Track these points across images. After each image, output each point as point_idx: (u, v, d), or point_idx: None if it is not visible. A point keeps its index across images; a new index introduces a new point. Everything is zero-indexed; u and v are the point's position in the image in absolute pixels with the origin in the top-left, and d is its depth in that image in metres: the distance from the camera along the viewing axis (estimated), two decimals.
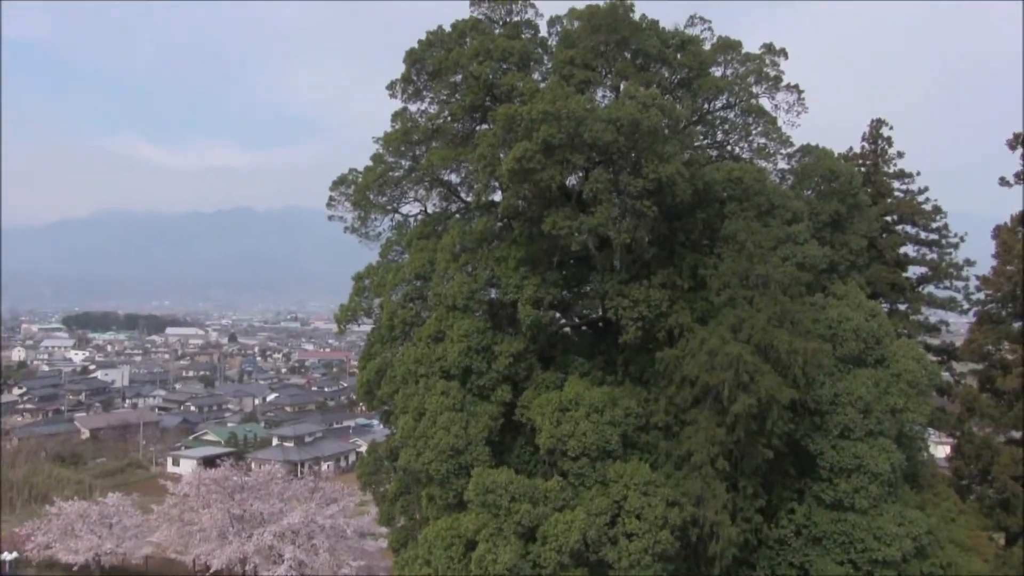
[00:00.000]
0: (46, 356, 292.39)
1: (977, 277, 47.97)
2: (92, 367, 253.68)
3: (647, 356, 33.68)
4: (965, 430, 45.09)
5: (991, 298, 46.70)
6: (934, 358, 49.46)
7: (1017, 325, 45.65)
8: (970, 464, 44.03)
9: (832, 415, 33.11)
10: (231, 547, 56.56)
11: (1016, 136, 45.28)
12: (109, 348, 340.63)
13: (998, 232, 44.93)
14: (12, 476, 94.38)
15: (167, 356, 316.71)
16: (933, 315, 52.81)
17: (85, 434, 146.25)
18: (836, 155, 42.06)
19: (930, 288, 52.47)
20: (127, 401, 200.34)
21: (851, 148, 53.23)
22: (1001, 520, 42.46)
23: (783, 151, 39.26)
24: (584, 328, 38.04)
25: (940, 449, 66.11)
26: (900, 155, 52.82)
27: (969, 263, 51.25)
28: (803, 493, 34.27)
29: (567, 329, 38.07)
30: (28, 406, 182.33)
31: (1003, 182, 45.53)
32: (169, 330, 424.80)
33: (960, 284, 51.37)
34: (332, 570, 57.11)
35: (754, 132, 38.45)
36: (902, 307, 51.07)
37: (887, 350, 35.37)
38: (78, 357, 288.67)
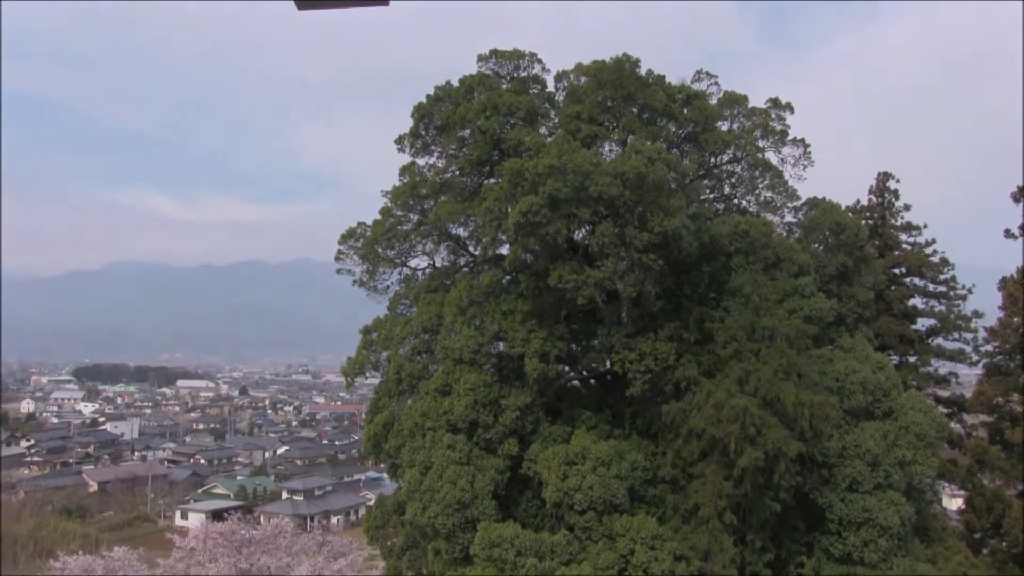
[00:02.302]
0: (55, 408, 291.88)
1: (985, 329, 47.88)
2: (102, 419, 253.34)
3: (654, 409, 33.71)
4: (976, 483, 44.69)
5: (998, 350, 46.57)
6: (944, 410, 49.20)
7: None
8: (982, 517, 43.56)
9: (840, 468, 32.95)
10: None
11: (1020, 188, 45.49)
12: (119, 400, 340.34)
13: (1004, 284, 44.95)
14: (16, 530, 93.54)
15: (177, 408, 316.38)
16: (943, 367, 52.59)
17: (93, 487, 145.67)
18: (843, 208, 42.36)
19: (939, 340, 52.31)
20: (136, 453, 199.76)
21: (858, 201, 53.50)
22: (1014, 574, 41.90)
23: (789, 204, 39.60)
24: (591, 381, 38.12)
25: (953, 502, 65.42)
26: (907, 207, 53.02)
27: (978, 315, 51.14)
28: (812, 547, 33.97)
29: (574, 382, 38.19)
30: (36, 459, 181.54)
31: (1008, 234, 45.66)
32: (180, 382, 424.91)
33: (969, 336, 51.26)
34: None
35: (760, 185, 38.82)
36: (911, 359, 50.90)
37: (895, 402, 35.27)
38: (88, 409, 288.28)
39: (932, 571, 33.39)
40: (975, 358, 50.88)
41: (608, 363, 35.01)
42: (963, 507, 47.41)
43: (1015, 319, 43.53)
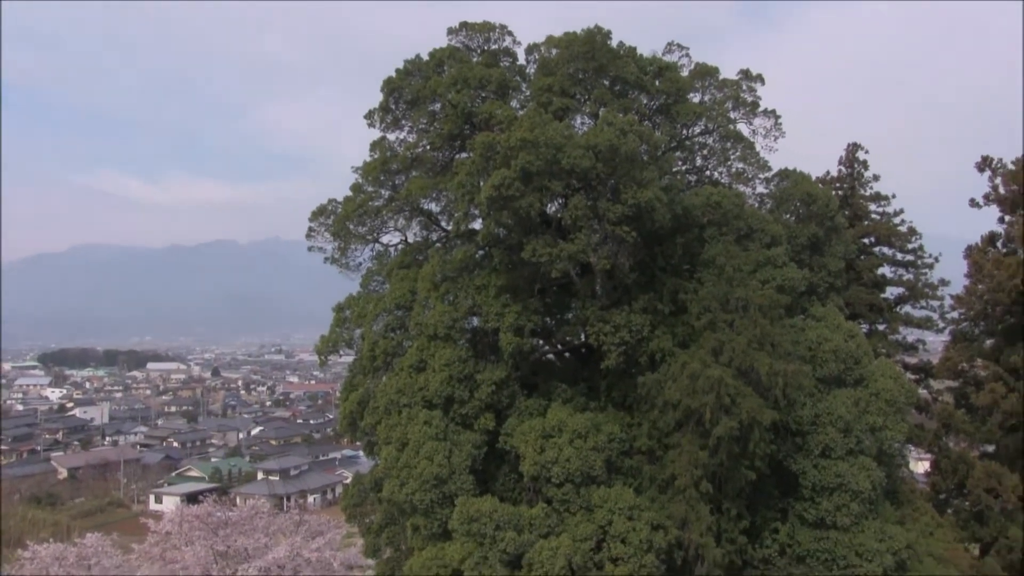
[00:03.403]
0: (20, 395, 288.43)
1: (952, 297, 48.63)
2: (70, 405, 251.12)
3: (629, 381, 33.84)
4: (942, 446, 45.58)
5: (964, 317, 47.36)
6: (912, 376, 50.02)
7: (989, 343, 46.24)
8: (947, 479, 44.47)
9: (813, 435, 33.35)
10: None
11: (984, 159, 46.12)
12: (88, 385, 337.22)
13: (969, 252, 45.61)
14: None
15: (148, 392, 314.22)
16: (910, 334, 53.49)
17: (63, 474, 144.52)
18: (813, 179, 42.62)
19: (907, 308, 53.12)
20: (107, 439, 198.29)
21: (828, 172, 53.99)
22: (976, 532, 42.93)
23: (761, 175, 39.69)
24: (566, 354, 38.19)
25: (920, 465, 66.58)
26: (876, 178, 53.64)
27: (944, 283, 51.97)
28: (786, 513, 34.41)
29: (549, 356, 38.22)
30: (1, 447, 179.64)
31: (973, 203, 46.31)
32: (150, 365, 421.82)
33: (935, 304, 52.09)
34: None
35: (732, 157, 38.88)
36: (880, 327, 51.67)
37: (866, 370, 35.70)
38: (55, 395, 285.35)
39: (901, 532, 33.95)
40: (941, 325, 51.83)
41: (583, 336, 35.06)
42: (929, 470, 48.31)
43: (980, 287, 44.20)
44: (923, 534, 37.05)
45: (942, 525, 39.89)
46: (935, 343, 58.98)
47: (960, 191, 49.48)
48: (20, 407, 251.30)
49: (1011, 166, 45.39)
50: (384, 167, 37.01)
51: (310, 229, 39.42)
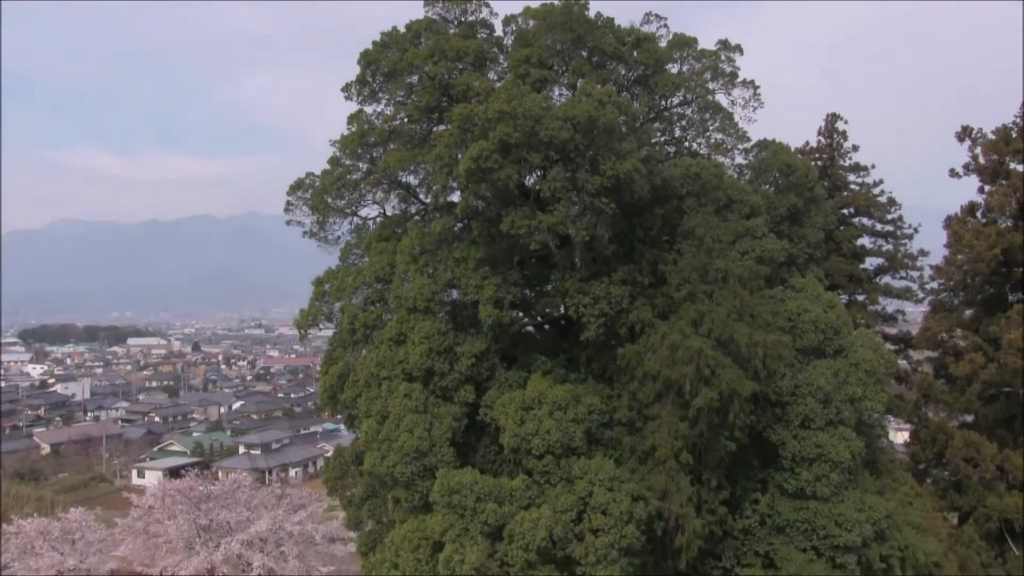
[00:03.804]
0: (2, 372, 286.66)
1: (931, 267, 48.83)
2: (51, 381, 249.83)
3: (609, 353, 33.86)
4: (921, 416, 45.94)
5: (943, 287, 47.60)
6: (891, 347, 50.32)
7: (969, 313, 46.51)
8: (926, 449, 44.87)
9: (793, 406, 33.52)
10: (198, 558, 55.79)
11: (964, 129, 46.17)
12: (68, 361, 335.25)
13: (949, 223, 45.75)
14: None
15: (129, 367, 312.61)
16: (890, 305, 53.73)
17: (45, 449, 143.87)
18: (792, 150, 42.60)
19: (887, 279, 53.36)
20: (89, 414, 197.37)
21: (807, 142, 53.98)
22: (954, 501, 43.41)
23: (740, 146, 39.67)
24: (546, 326, 38.16)
25: (899, 435, 67.19)
26: (855, 148, 53.65)
27: (923, 253, 52.19)
28: (766, 483, 34.64)
29: (529, 328, 38.16)
30: None
31: (953, 174, 46.39)
32: (130, 341, 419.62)
33: (915, 274, 52.34)
34: None
35: (711, 128, 38.78)
36: (860, 298, 51.88)
37: (845, 340, 35.87)
38: (36, 371, 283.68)
39: (880, 502, 34.24)
40: (921, 296, 52.11)
41: (562, 308, 35.03)
42: (909, 440, 48.72)
43: (959, 257, 44.41)
44: (902, 504, 37.45)
45: (921, 495, 40.36)
46: (915, 314, 59.34)
47: (940, 162, 49.60)
48: (2, 384, 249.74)
49: (991, 136, 45.47)
50: (362, 140, 36.69)
51: (288, 203, 39.15)
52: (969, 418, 46.11)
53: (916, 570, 35.80)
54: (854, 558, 33.15)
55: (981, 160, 45.28)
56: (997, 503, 40.77)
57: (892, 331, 53.38)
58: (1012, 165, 44.52)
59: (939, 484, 44.28)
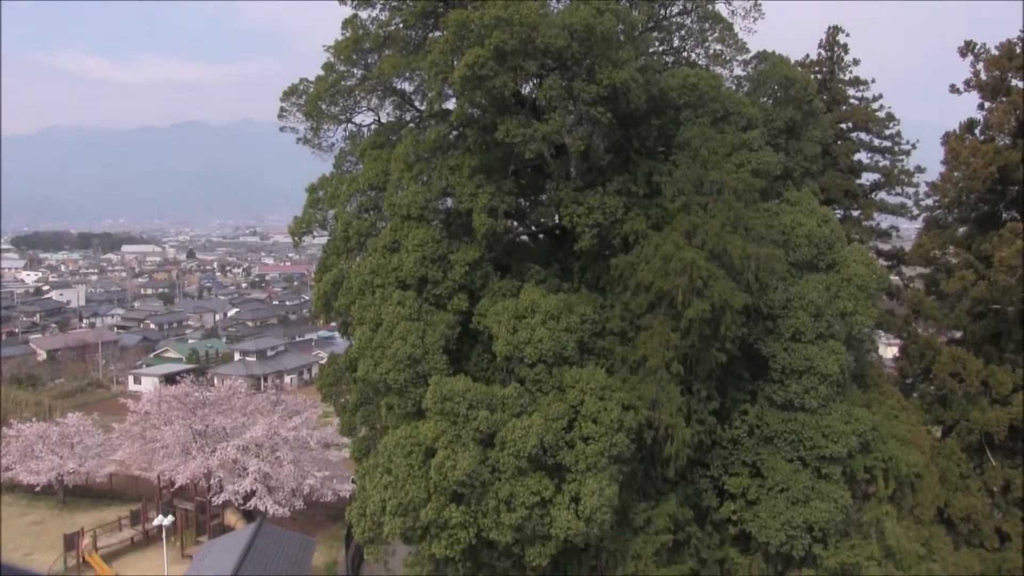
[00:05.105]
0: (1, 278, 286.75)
1: (927, 184, 48.61)
2: (46, 288, 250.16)
3: (602, 263, 33.97)
4: (911, 331, 46.28)
5: (939, 204, 47.45)
6: (884, 263, 50.55)
7: (962, 230, 46.51)
8: (914, 364, 45.34)
9: (784, 319, 33.79)
10: (195, 462, 56.93)
11: (967, 44, 45.30)
12: (63, 268, 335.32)
13: (947, 139, 45.33)
14: None
15: (124, 274, 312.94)
16: (884, 221, 53.76)
17: (42, 356, 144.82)
18: (792, 62, 42.03)
19: (882, 194, 53.24)
20: (84, 321, 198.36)
21: (807, 55, 53.24)
22: (938, 414, 44.11)
23: (739, 58, 39.17)
24: (540, 236, 38.15)
25: (889, 350, 67.95)
26: (856, 62, 52.96)
27: (920, 170, 51.98)
28: (755, 395, 35.15)
29: (523, 237, 38.18)
30: None
31: (953, 89, 45.76)
32: (125, 248, 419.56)
33: (911, 191, 52.22)
34: (296, 481, 57.81)
35: (710, 38, 38.23)
36: (855, 213, 51.85)
37: (838, 255, 35.99)
38: (30, 278, 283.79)
39: (867, 415, 34.80)
40: (916, 212, 52.08)
41: (557, 218, 34.98)
42: (897, 355, 49.23)
43: (955, 174, 44.07)
44: (888, 416, 38.12)
45: (907, 408, 41.05)
46: (909, 230, 59.37)
47: (942, 78, 48.94)
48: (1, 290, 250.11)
49: (995, 52, 44.71)
50: (356, 46, 36.04)
51: (282, 109, 38.68)
52: (958, 334, 46.50)
53: (898, 480, 36.69)
54: (839, 468, 33.89)
55: (983, 76, 44.56)
56: (979, 417, 41.42)
57: (886, 247, 53.54)
58: (1014, 82, 43.85)
59: (925, 398, 44.94)
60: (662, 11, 37.11)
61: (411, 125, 37.11)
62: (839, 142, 50.87)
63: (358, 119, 38.90)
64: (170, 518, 53.33)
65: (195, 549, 55.56)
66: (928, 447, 40.03)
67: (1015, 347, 43.70)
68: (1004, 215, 44.87)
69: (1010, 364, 42.68)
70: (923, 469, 37.97)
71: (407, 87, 36.76)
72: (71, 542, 55.54)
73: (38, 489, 65.76)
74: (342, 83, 37.10)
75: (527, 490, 28.91)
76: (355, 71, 37.11)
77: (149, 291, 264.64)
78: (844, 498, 33.53)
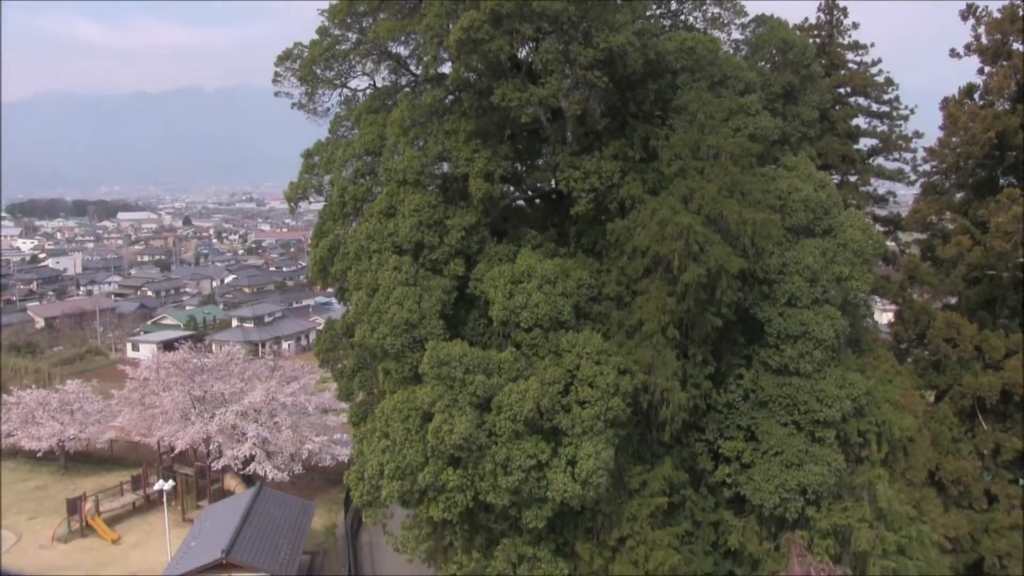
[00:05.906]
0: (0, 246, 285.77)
1: (925, 149, 48.51)
2: (42, 255, 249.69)
3: (599, 227, 33.96)
4: (906, 297, 46.40)
5: (936, 170, 47.33)
6: (881, 228, 50.52)
7: (959, 196, 46.47)
8: (909, 329, 45.52)
9: (780, 284, 33.83)
10: (194, 428, 57.31)
11: (969, 6, 44.91)
12: (59, 236, 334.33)
13: (945, 104, 45.13)
14: None
15: (120, 242, 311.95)
16: (882, 186, 53.66)
17: (40, 323, 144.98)
18: (790, 26, 41.76)
19: (879, 160, 53.07)
20: (81, 288, 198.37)
21: (806, 19, 52.84)
22: (932, 379, 44.33)
23: (737, 21, 38.95)
24: (536, 200, 38.09)
25: (884, 316, 68.15)
26: (855, 26, 52.52)
27: (918, 135, 51.77)
28: (751, 359, 35.26)
29: (519, 202, 38.11)
30: None
31: (953, 54, 45.46)
32: (121, 215, 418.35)
33: (909, 156, 52.06)
34: (295, 446, 58.24)
35: (708, 1, 37.97)
36: (852, 178, 51.71)
37: (835, 220, 36.00)
38: (26, 246, 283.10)
39: (861, 379, 34.98)
40: (913, 178, 51.95)
41: (553, 182, 34.93)
42: (893, 320, 49.40)
43: (953, 140, 43.91)
44: (882, 381, 38.33)
45: (901, 373, 41.28)
46: (906, 196, 59.40)
47: (941, 44, 48.58)
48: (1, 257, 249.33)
49: (997, 15, 44.36)
50: (351, 9, 35.72)
51: (276, 74, 38.40)
52: (953, 300, 46.62)
53: (891, 444, 36.97)
54: (832, 432, 34.09)
55: (984, 40, 44.22)
56: (972, 381, 41.66)
57: (882, 213, 53.46)
58: (1015, 45, 43.55)
59: (919, 363, 45.16)
60: None
61: (407, 89, 36.90)
62: (837, 107, 50.67)
63: (353, 84, 38.68)
64: (170, 483, 53.81)
65: (196, 513, 56.15)
66: (921, 411, 40.30)
67: (1009, 312, 43.91)
68: (1002, 181, 44.78)
69: (1004, 329, 42.82)
70: (916, 433, 38.25)
71: (402, 51, 36.50)
72: (74, 506, 56.11)
73: (40, 455, 66.28)
74: (337, 47, 36.82)
75: (524, 453, 29.05)
76: (350, 35, 36.82)
77: (146, 258, 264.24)
78: (837, 461, 33.75)
